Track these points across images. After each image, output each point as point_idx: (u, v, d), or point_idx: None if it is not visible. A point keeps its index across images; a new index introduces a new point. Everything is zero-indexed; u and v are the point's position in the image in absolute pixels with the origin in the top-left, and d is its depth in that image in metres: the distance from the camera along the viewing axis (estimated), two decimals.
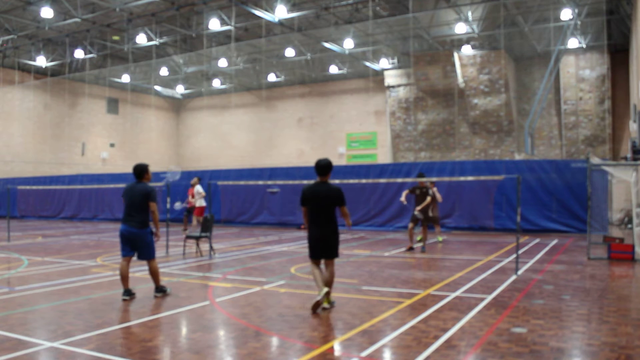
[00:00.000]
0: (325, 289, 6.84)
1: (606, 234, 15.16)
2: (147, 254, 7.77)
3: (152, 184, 8.13)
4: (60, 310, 7.01)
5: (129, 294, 7.63)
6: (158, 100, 40.65)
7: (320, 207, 6.91)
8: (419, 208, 13.27)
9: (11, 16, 24.88)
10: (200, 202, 18.08)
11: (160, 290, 7.90)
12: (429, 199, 13.27)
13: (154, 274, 7.84)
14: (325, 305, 6.95)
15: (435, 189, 13.47)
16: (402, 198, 13.90)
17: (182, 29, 26.33)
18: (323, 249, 7.02)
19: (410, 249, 13.19)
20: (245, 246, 13.87)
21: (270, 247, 14.26)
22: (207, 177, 22.11)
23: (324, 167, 6.95)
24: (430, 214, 15.19)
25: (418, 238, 15.28)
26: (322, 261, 7.21)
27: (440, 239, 15.40)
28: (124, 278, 7.68)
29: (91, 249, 14.24)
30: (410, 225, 13.34)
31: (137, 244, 7.71)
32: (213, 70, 34.79)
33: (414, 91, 31.75)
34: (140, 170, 7.85)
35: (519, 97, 30.61)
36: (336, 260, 11.38)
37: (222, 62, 31.91)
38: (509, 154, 29.05)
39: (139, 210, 7.64)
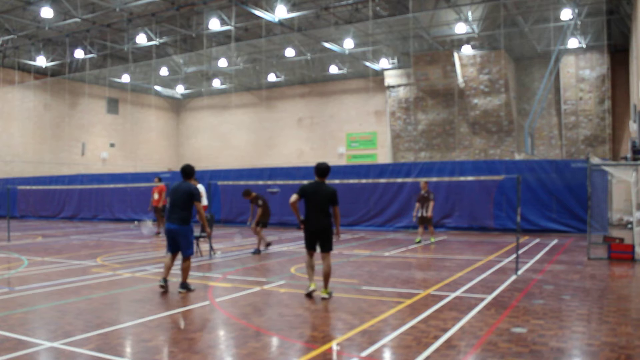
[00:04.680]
0: (313, 287, 7.70)
1: (606, 234, 15.15)
2: (185, 251, 8.12)
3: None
4: (60, 310, 7.01)
5: (165, 282, 8.07)
6: (158, 100, 40.66)
7: (319, 203, 7.71)
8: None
9: (11, 16, 24.88)
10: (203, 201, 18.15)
11: (185, 286, 8.12)
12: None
13: (185, 270, 8.15)
14: (324, 295, 7.56)
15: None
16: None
17: (182, 29, 26.33)
18: (320, 241, 7.79)
19: (268, 244, 13.32)
20: (245, 246, 13.87)
21: (270, 247, 14.26)
22: (207, 177, 22.09)
23: (325, 170, 7.88)
24: (425, 214, 15.07)
25: (417, 240, 15.25)
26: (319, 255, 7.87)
27: (432, 239, 15.30)
28: (167, 268, 8.15)
29: (91, 249, 14.23)
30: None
31: (178, 240, 8.08)
32: (213, 70, 34.80)
33: (414, 91, 31.74)
34: (190, 170, 8.32)
35: (519, 97, 30.61)
36: (337, 260, 11.49)
37: (222, 62, 31.91)
38: (509, 154, 29.05)
39: (180, 208, 8.05)
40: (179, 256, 8.28)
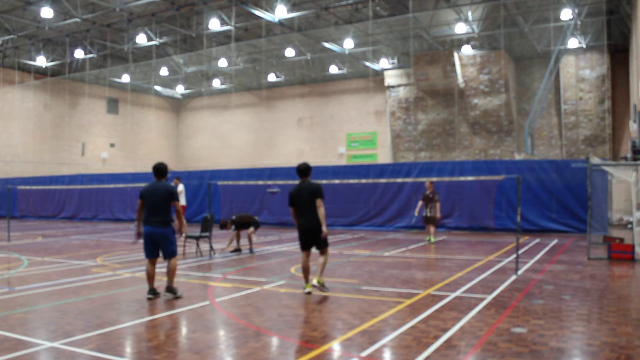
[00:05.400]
0: (309, 288, 7.79)
1: (606, 234, 15.15)
2: (170, 252, 7.76)
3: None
4: (60, 310, 7.01)
5: (153, 293, 7.64)
6: (158, 100, 40.65)
7: (305, 200, 7.84)
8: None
9: (11, 16, 24.87)
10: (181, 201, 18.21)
11: (171, 290, 7.78)
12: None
13: (172, 272, 7.78)
14: (315, 283, 7.73)
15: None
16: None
17: (182, 29, 26.33)
18: (313, 239, 7.88)
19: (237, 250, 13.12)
20: (245, 246, 13.85)
21: (270, 247, 14.27)
22: (207, 177, 22.13)
23: (304, 170, 8.06)
24: (429, 214, 15.12)
25: (427, 238, 15.27)
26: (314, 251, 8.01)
27: (432, 239, 15.27)
28: (150, 277, 7.73)
29: (91, 249, 14.23)
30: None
31: (161, 243, 7.71)
32: (213, 70, 34.79)
33: (414, 91, 31.74)
34: (165, 169, 7.84)
35: (519, 97, 30.61)
36: (337, 260, 11.49)
37: (222, 62, 31.91)
38: (509, 154, 29.05)
39: (162, 210, 7.60)
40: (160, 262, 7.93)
